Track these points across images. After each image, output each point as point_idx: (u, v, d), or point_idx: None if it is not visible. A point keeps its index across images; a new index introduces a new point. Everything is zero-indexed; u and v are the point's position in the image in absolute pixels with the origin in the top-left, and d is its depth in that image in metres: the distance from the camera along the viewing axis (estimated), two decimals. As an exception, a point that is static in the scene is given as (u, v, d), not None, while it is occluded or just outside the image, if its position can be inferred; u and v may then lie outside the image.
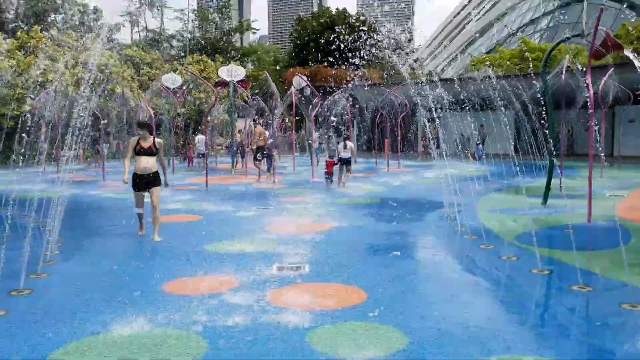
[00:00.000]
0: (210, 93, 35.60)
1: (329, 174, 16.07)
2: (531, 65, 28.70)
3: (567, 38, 11.65)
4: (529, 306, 5.42)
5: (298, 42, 53.78)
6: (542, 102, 11.75)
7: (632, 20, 38.64)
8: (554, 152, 11.17)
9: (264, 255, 7.34)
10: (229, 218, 10.77)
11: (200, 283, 6.12)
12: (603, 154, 15.53)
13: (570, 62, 15.64)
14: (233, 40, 60.47)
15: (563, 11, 46.58)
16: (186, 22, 59.06)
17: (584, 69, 11.25)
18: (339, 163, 15.90)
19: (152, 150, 8.47)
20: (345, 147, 15.74)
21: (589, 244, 7.92)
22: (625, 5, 45.09)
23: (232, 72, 22.12)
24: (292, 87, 22.65)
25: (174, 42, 58.22)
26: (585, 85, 10.25)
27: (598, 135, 15.19)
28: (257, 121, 22.43)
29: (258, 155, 18.06)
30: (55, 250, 7.62)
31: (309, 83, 24.13)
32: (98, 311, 5.13)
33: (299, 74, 25.11)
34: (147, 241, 8.26)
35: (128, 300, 5.49)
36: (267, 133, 19.16)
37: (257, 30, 72.59)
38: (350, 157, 15.74)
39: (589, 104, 9.63)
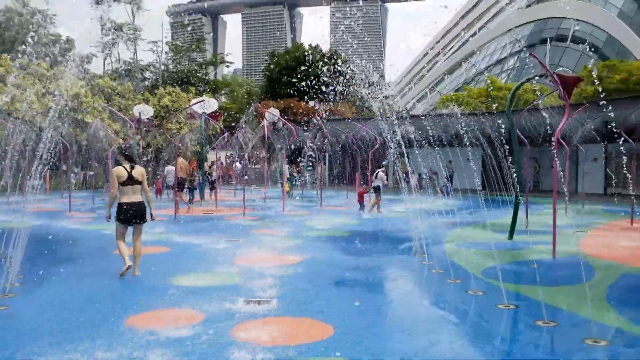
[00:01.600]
0: (182, 124, 35.57)
1: (361, 202, 18.31)
2: (497, 104, 29.50)
3: (531, 78, 12.08)
4: (495, 342, 5.45)
5: (271, 77, 54.34)
6: (508, 140, 12.08)
7: (593, 62, 40.33)
8: (520, 189, 11.42)
9: (231, 289, 7.25)
10: (197, 250, 10.63)
11: (166, 317, 6.00)
12: (567, 192, 15.93)
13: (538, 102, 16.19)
14: (207, 72, 60.68)
15: (528, 52, 48.25)
16: (159, 54, 59.12)
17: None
18: (372, 191, 17.98)
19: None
20: (376, 176, 17.99)
21: (554, 280, 8.06)
22: (587, 48, 47.11)
23: (205, 104, 22.16)
24: (265, 120, 22.80)
25: (147, 74, 58.08)
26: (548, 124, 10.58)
27: (562, 172, 15.64)
28: (180, 153, 22.62)
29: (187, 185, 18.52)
30: (15, 283, 7.39)
31: (282, 119, 24.32)
32: (58, 346, 4.96)
33: (270, 110, 25.30)
34: (111, 274, 8.08)
35: (90, 335, 5.33)
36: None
37: (231, 63, 73.15)
38: (379, 185, 17.82)
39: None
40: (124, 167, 7.99)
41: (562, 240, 10.66)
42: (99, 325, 5.65)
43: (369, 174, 26.75)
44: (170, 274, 8.24)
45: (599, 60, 41.23)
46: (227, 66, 74.68)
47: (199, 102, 22.01)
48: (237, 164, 36.26)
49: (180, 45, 62.31)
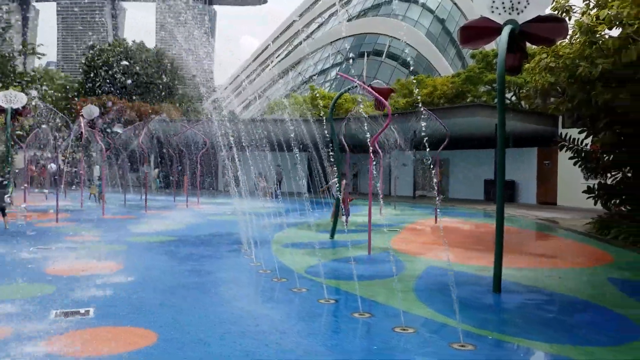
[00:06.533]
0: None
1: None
2: (322, 112, 31.00)
3: (350, 88, 13.02)
4: (316, 334, 5.76)
5: (90, 72, 50.53)
6: (330, 146, 12.81)
7: (405, 77, 44.52)
8: (339, 191, 12.15)
9: (42, 301, 6.64)
10: (0, 260, 9.51)
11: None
12: (381, 194, 17.36)
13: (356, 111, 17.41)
14: (14, 64, 54.23)
15: (348, 64, 51.56)
16: (-44, 42, 51.26)
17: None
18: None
19: None
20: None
21: (369, 274, 8.73)
22: (399, 63, 51.79)
23: (11, 97, 19.83)
24: (81, 116, 21.18)
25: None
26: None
27: (377, 177, 17.02)
28: None
29: None
30: None
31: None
32: None
33: (88, 106, 23.61)
34: None
35: None
36: None
37: (44, 55, 66.18)
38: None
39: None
40: None
41: (377, 238, 11.61)
42: None
43: (198, 176, 26.35)
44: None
45: (410, 75, 45.61)
46: (39, 58, 67.52)
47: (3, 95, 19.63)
48: (52, 164, 33.15)
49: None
